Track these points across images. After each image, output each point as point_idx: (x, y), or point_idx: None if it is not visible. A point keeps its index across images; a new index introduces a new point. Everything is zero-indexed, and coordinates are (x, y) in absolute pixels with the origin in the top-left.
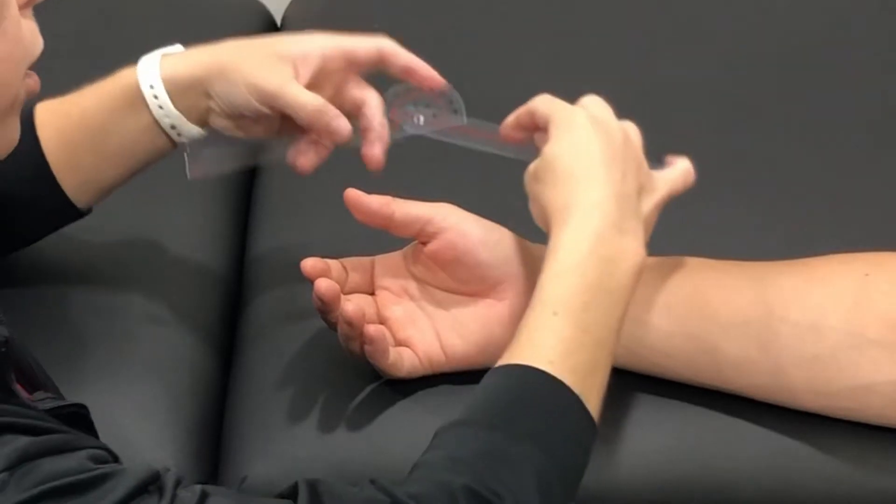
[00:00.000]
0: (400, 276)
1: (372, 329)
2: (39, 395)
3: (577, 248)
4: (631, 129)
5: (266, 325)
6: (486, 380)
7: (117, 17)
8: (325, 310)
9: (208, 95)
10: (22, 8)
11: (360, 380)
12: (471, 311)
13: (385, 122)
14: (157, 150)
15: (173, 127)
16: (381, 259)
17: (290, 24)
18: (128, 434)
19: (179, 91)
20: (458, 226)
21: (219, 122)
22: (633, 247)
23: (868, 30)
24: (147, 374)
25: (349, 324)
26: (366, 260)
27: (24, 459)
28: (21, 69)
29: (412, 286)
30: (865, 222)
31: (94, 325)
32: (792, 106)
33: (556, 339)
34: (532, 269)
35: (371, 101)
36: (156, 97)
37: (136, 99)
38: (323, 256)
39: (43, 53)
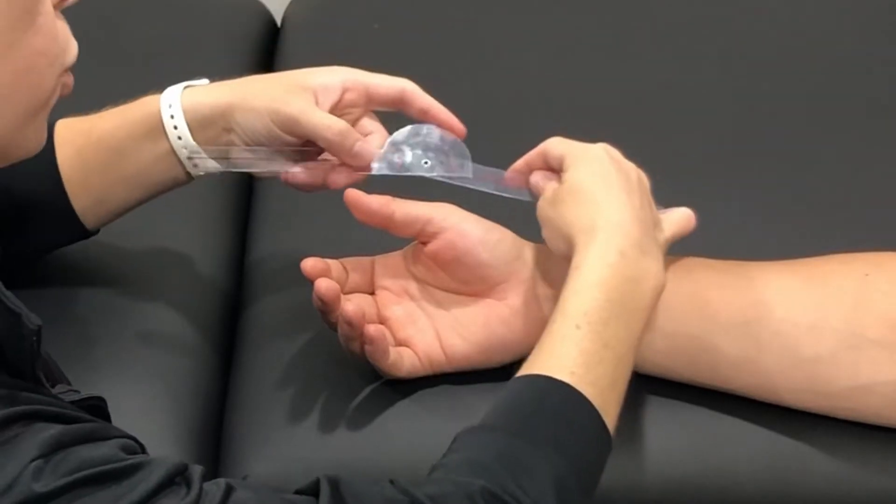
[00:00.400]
0: (400, 276)
1: (372, 329)
2: (60, 388)
3: (602, 265)
4: (640, 173)
5: (266, 325)
6: (507, 388)
7: (118, 18)
8: (326, 310)
9: (230, 129)
10: (54, 8)
11: (360, 380)
12: (471, 310)
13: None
14: (171, 180)
15: (190, 158)
16: (381, 259)
17: (290, 24)
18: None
19: (200, 123)
20: (458, 225)
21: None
22: (654, 268)
23: (867, 29)
24: (147, 374)
25: (349, 324)
26: (366, 260)
27: (59, 447)
28: (56, 67)
29: (412, 286)
30: (865, 222)
31: (94, 325)
32: (791, 106)
33: (577, 352)
34: (532, 269)
35: (375, 138)
36: (175, 127)
37: (156, 127)
38: (323, 256)
39: None
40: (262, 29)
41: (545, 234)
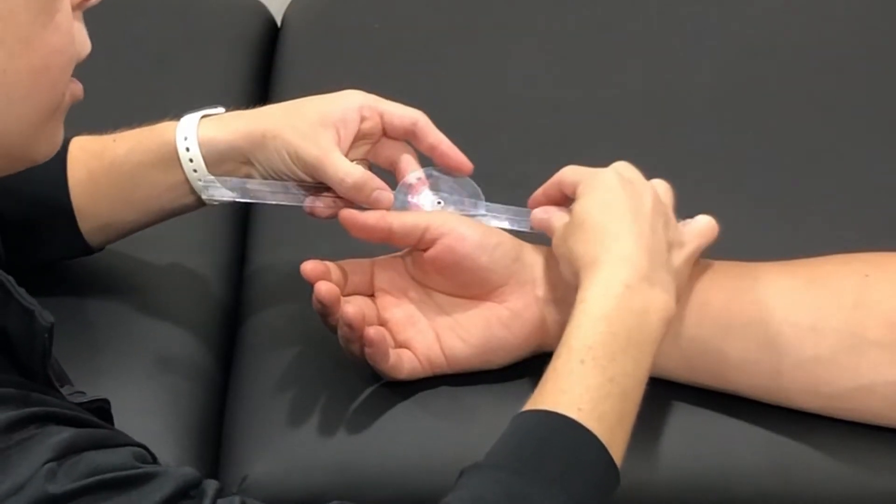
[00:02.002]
0: (399, 278)
1: (372, 331)
2: (67, 388)
3: (607, 298)
4: (661, 188)
5: (266, 325)
6: (513, 423)
7: (118, 18)
8: (325, 312)
9: (248, 162)
10: (74, 9)
11: (359, 381)
12: (471, 313)
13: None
14: (182, 207)
15: (206, 189)
16: (380, 261)
17: (290, 24)
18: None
19: (216, 157)
20: (456, 230)
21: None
22: (662, 299)
23: (867, 30)
24: (148, 375)
25: (349, 326)
26: (365, 262)
27: (72, 451)
28: (71, 66)
29: (412, 288)
30: (865, 222)
31: (95, 326)
32: (791, 106)
33: (583, 388)
34: (531, 272)
35: (405, 158)
36: (191, 160)
37: (171, 157)
38: (322, 258)
39: None
40: (262, 29)
41: (562, 269)
